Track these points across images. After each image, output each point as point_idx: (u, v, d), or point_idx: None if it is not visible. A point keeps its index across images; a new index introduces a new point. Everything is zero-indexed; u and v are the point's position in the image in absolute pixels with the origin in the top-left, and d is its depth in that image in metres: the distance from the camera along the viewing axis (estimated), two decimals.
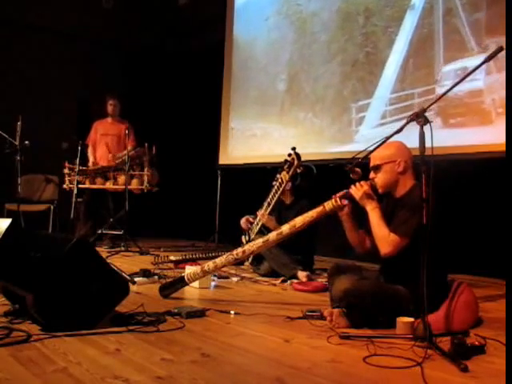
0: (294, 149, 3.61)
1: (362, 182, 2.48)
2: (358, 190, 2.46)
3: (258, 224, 4.00)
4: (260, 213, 3.90)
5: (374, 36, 4.97)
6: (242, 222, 4.17)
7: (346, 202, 2.52)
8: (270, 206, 3.85)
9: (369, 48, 5.01)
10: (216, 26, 6.61)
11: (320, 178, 4.01)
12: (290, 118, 5.69)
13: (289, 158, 3.63)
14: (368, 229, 2.64)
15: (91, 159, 5.71)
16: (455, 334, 2.02)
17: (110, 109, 5.76)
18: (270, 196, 3.85)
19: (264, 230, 3.81)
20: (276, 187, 3.79)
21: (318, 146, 5.29)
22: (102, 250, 4.91)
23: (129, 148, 5.49)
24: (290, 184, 3.87)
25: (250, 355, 1.97)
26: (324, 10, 5.46)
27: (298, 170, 3.68)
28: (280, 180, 3.73)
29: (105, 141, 5.73)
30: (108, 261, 2.54)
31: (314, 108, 5.45)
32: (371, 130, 4.88)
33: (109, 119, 5.83)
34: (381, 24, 4.91)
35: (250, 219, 4.13)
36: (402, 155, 2.45)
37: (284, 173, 3.67)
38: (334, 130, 5.25)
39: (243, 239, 4.12)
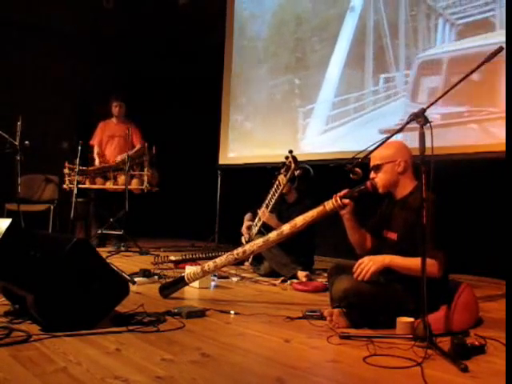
0: (290, 152, 3.61)
1: (362, 264, 2.31)
2: (370, 270, 2.28)
3: (257, 225, 4.00)
4: (260, 211, 3.90)
5: (305, 42, 5.33)
6: (244, 229, 4.16)
7: (346, 201, 2.51)
8: (269, 208, 3.84)
9: (299, 54, 5.37)
10: (216, 26, 6.61)
11: (319, 178, 4.01)
12: (227, 122, 6.13)
13: (286, 161, 3.62)
14: (369, 229, 2.64)
15: (97, 160, 5.72)
16: (455, 334, 2.02)
17: (115, 110, 5.77)
18: (268, 198, 3.85)
19: (264, 231, 3.81)
20: (274, 189, 3.79)
21: (251, 151, 5.77)
22: (103, 250, 4.91)
23: (138, 146, 5.55)
24: (289, 184, 3.87)
25: (250, 355, 1.97)
26: (262, 13, 5.81)
27: (296, 173, 3.67)
28: (278, 183, 3.73)
29: (112, 142, 5.75)
30: (108, 261, 2.55)
31: (248, 112, 5.90)
32: (317, 137, 5.16)
33: (114, 120, 5.84)
34: (309, 32, 5.28)
35: (249, 223, 4.12)
36: (402, 155, 2.45)
37: (282, 176, 3.67)
38: (275, 136, 5.61)
39: (243, 240, 4.12)
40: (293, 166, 3.57)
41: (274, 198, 3.79)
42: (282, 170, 3.66)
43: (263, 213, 3.86)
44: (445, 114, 4.05)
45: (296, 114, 5.37)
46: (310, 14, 5.31)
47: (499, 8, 3.83)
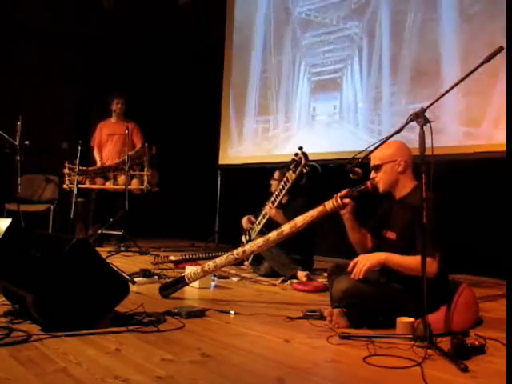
0: (301, 148, 3.60)
1: (357, 262, 2.31)
2: (364, 267, 2.28)
3: (260, 223, 3.99)
4: (267, 206, 3.89)
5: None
6: (244, 221, 4.17)
7: (347, 201, 2.51)
8: (275, 204, 3.84)
9: None
10: (216, 26, 6.61)
11: (319, 178, 4.01)
12: (227, 122, 6.47)
13: (296, 158, 3.62)
14: (368, 229, 2.64)
15: (98, 160, 5.75)
16: (455, 334, 2.02)
17: (117, 107, 5.78)
18: (275, 195, 3.84)
19: (265, 230, 3.81)
20: (281, 186, 3.78)
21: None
22: (103, 250, 4.91)
23: (138, 146, 5.56)
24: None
25: (250, 355, 1.97)
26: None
27: (305, 170, 3.67)
28: (286, 179, 3.73)
29: (111, 140, 5.76)
30: (108, 261, 2.54)
31: None
32: None
33: (113, 119, 5.85)
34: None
35: (252, 219, 4.12)
36: (402, 155, 2.45)
37: (290, 172, 3.67)
38: None
39: (243, 239, 4.12)
40: (303, 161, 3.56)
41: (281, 194, 3.79)
42: (291, 167, 3.65)
43: (270, 208, 3.84)
44: None
45: None
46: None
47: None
